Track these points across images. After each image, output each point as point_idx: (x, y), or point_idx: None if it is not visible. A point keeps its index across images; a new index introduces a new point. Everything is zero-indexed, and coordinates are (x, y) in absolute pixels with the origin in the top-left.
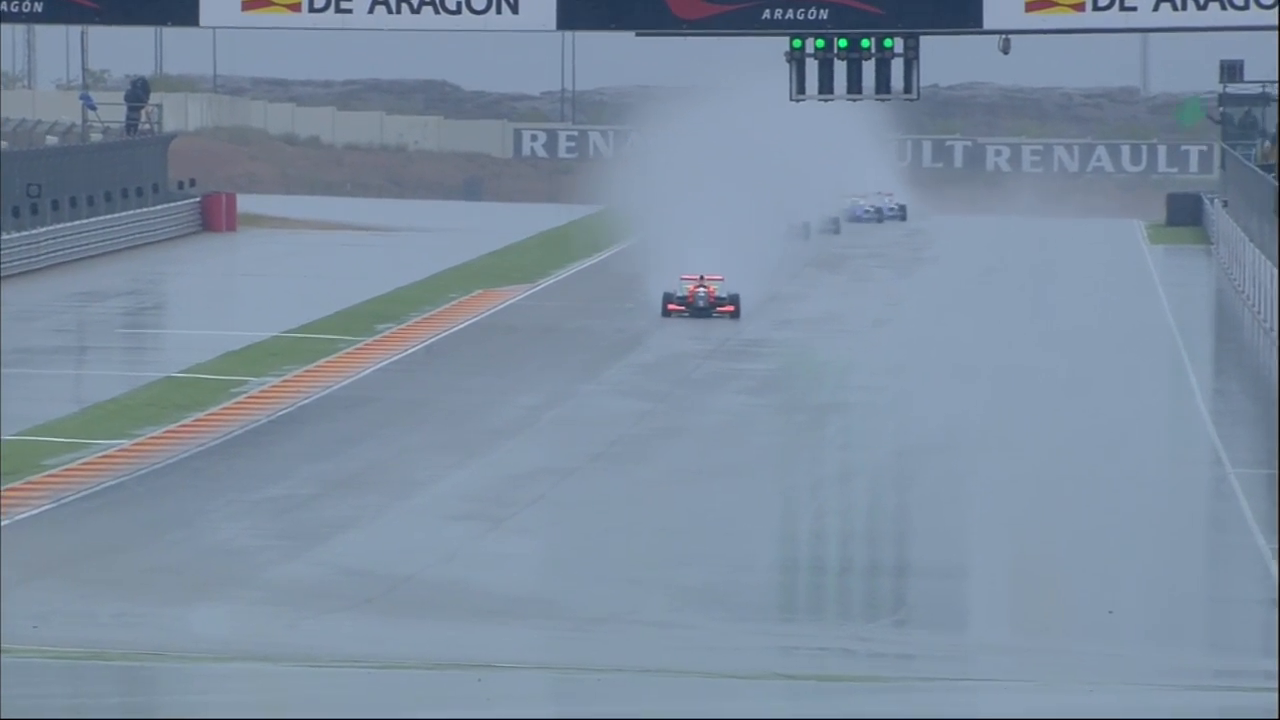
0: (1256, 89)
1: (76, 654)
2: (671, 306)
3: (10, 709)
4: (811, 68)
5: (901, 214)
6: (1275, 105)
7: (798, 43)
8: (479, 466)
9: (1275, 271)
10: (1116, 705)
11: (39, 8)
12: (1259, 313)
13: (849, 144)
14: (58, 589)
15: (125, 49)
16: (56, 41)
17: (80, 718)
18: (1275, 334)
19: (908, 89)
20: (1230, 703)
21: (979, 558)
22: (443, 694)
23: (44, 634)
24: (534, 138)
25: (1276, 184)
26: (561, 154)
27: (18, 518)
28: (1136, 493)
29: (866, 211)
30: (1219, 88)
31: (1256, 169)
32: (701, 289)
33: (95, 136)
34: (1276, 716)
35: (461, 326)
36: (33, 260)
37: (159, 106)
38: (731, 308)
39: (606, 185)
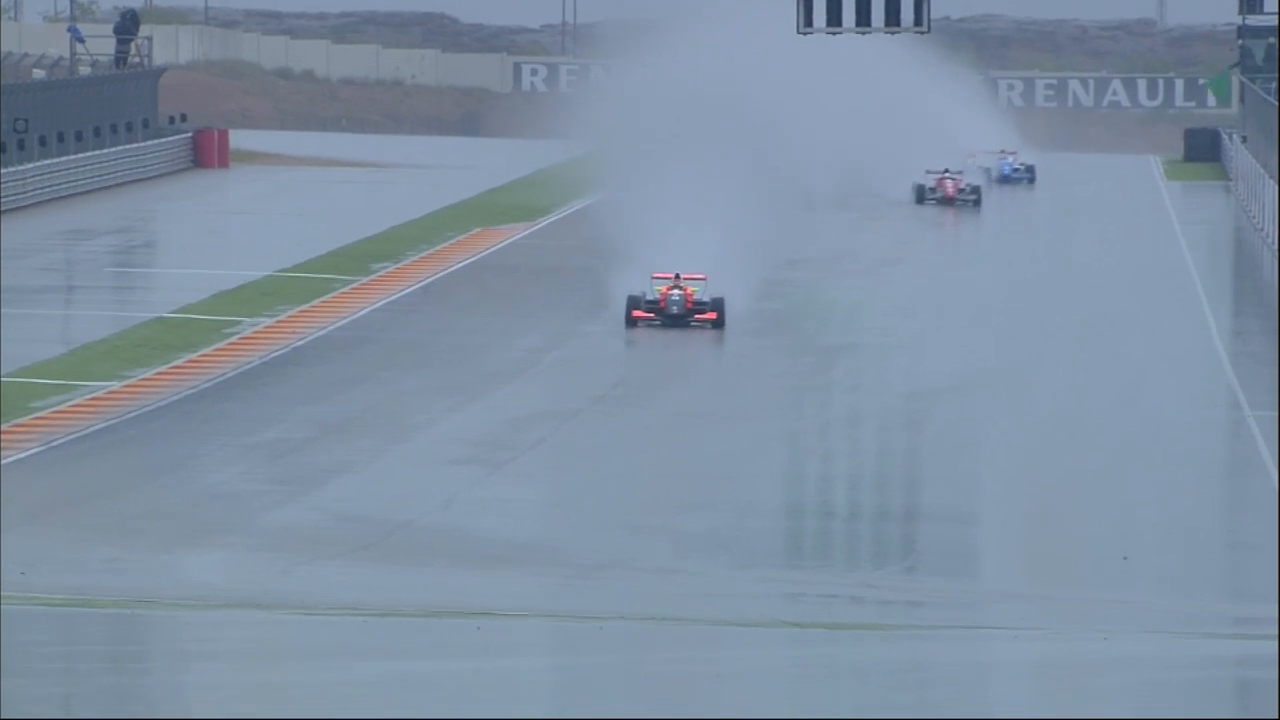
0: (1275, 19)
1: (66, 601)
2: (638, 314)
3: None
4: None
5: (1029, 176)
6: None
7: None
8: (478, 409)
9: None
10: (1131, 653)
11: None
12: (1278, 251)
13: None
14: (47, 534)
15: None
16: None
17: (70, 666)
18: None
19: (918, 22)
20: (1248, 651)
21: (990, 502)
22: (440, 641)
23: (32, 580)
24: (534, 72)
25: None
26: (563, 88)
27: (5, 461)
28: (1152, 435)
29: (1016, 170)
30: (1238, 19)
31: (1277, 103)
32: (676, 291)
33: (84, 70)
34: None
35: (459, 266)
36: (20, 197)
37: (149, 39)
38: (713, 314)
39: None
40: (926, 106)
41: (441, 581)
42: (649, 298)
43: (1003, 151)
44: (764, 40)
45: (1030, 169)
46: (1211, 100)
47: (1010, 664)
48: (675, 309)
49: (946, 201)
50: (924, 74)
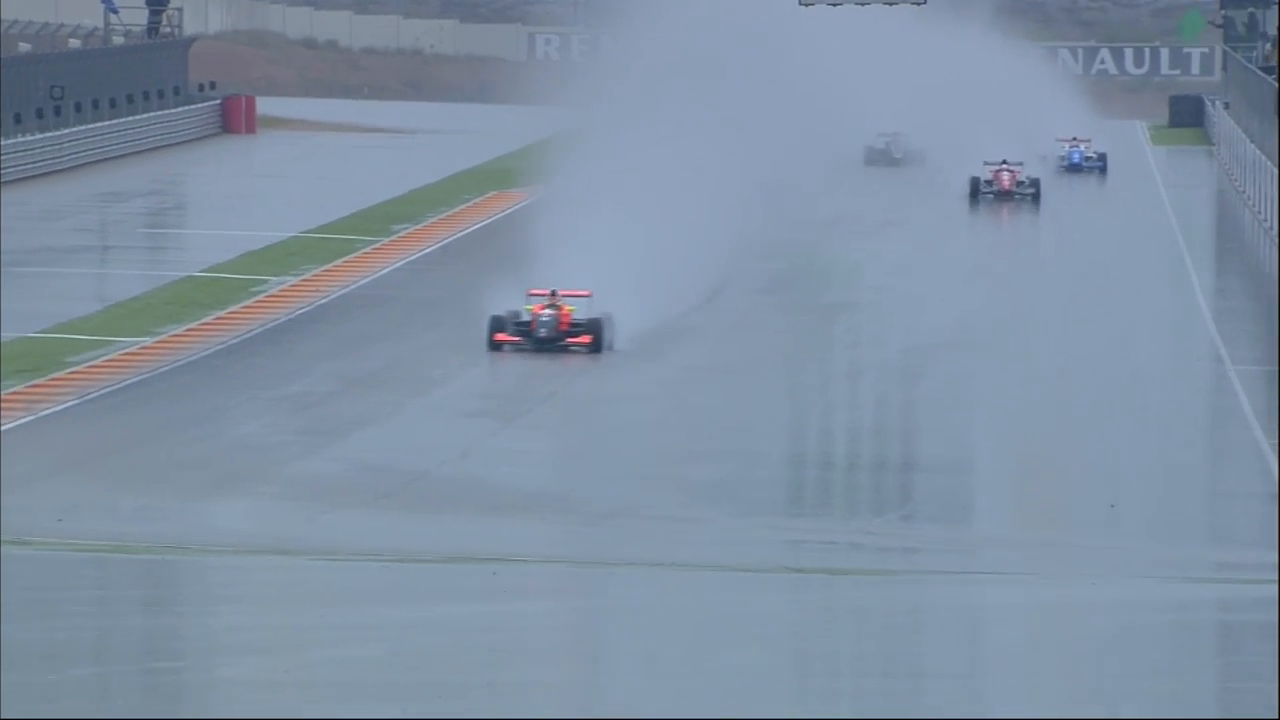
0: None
1: (100, 546)
2: (501, 337)
3: (37, 601)
4: None
5: (1101, 164)
6: (1276, 8)
7: None
8: (493, 364)
9: (1275, 171)
10: (1117, 597)
11: None
12: (1259, 213)
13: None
14: (82, 483)
15: None
16: None
17: (104, 609)
18: (1276, 234)
19: None
20: (1229, 595)
21: (984, 453)
22: (458, 586)
23: (69, 527)
24: (547, 41)
25: (1278, 86)
26: (575, 56)
27: (43, 413)
28: (1138, 389)
29: (1088, 158)
30: None
31: (1258, 71)
32: (549, 312)
33: (117, 40)
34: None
35: (476, 227)
36: (56, 161)
37: (179, 10)
38: (588, 338)
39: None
40: (995, 84)
41: (458, 528)
42: (521, 318)
43: (1074, 139)
44: (771, 9)
45: (1102, 157)
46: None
47: (1001, 607)
48: (545, 331)
49: (1003, 195)
50: (983, 47)
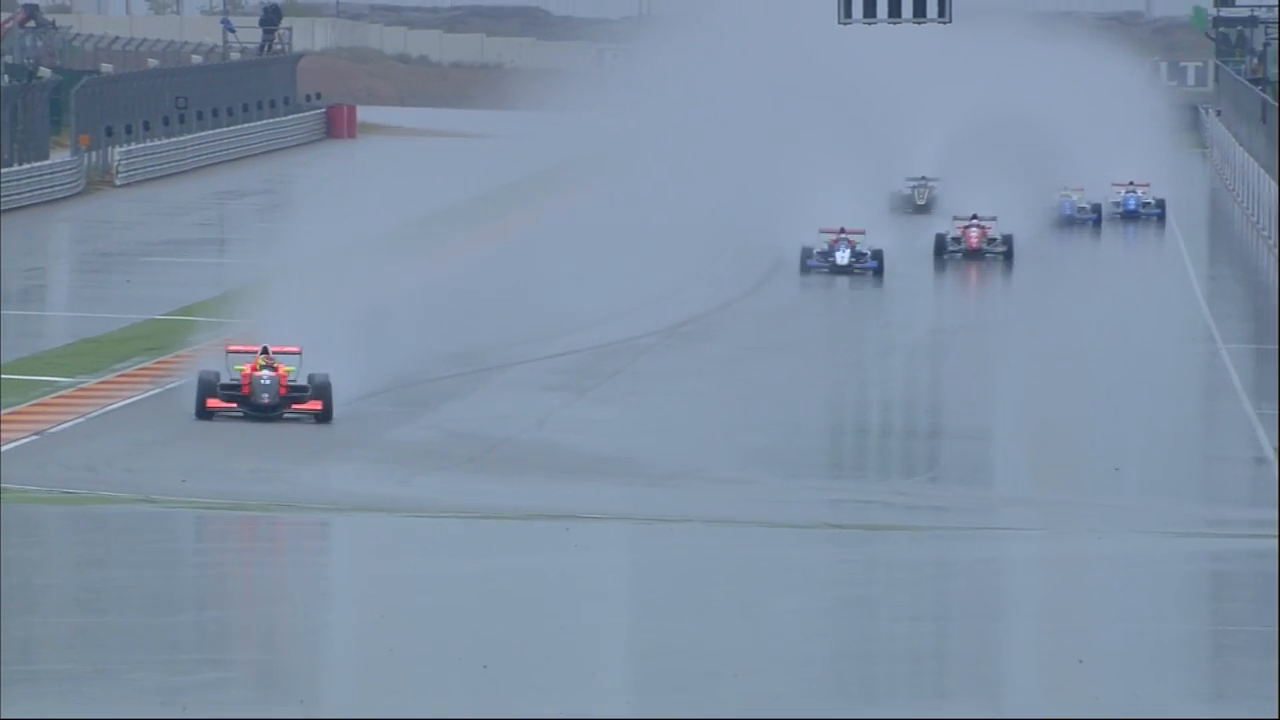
0: (1246, 12)
1: (219, 504)
2: (213, 403)
3: (163, 556)
4: None
5: (1159, 212)
6: (1264, 27)
7: None
8: (564, 344)
9: (1267, 179)
10: (1121, 550)
11: None
12: (1248, 208)
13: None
14: (201, 448)
15: None
16: None
17: (221, 559)
18: (1275, 243)
19: (941, 13)
20: (1221, 548)
21: (1002, 423)
22: (535, 540)
23: (191, 487)
24: (614, 57)
25: (1268, 99)
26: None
27: (168, 386)
28: (1141, 365)
29: (1146, 204)
30: (1214, 11)
31: (1246, 82)
32: (266, 373)
33: (234, 56)
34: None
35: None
36: (181, 163)
37: (289, 30)
38: (317, 404)
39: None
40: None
41: (535, 489)
42: (229, 379)
43: (1131, 184)
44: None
45: (1160, 204)
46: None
47: (1018, 560)
48: (266, 397)
49: (971, 254)
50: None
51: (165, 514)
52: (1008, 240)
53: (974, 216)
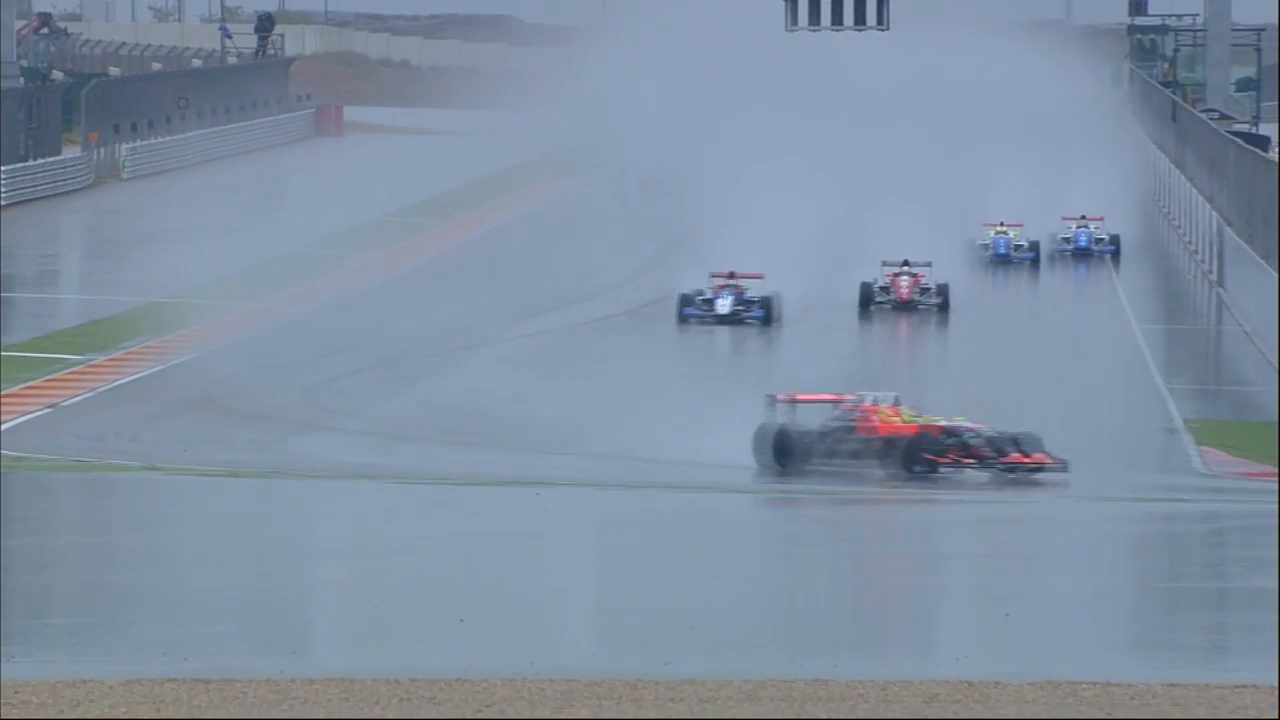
0: (1158, 20)
1: (217, 472)
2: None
3: (166, 519)
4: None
5: (1113, 249)
6: (1172, 35)
7: None
8: (539, 323)
9: (1177, 173)
10: (1049, 511)
11: None
12: (1159, 199)
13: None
14: (203, 420)
15: None
16: None
17: (219, 524)
18: (1276, 261)
19: (880, 20)
20: (1140, 510)
21: (936, 389)
22: (508, 505)
23: (192, 456)
24: (578, 61)
25: (1177, 101)
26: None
27: (171, 363)
28: (1067, 342)
29: (1100, 240)
30: (1128, 19)
31: (1158, 85)
32: None
33: (231, 60)
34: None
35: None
36: (183, 158)
37: (281, 36)
38: None
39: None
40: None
41: (508, 459)
42: None
43: (1083, 218)
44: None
45: (1115, 240)
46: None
47: (952, 521)
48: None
49: (902, 306)
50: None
51: (167, 480)
52: (943, 290)
53: (905, 263)
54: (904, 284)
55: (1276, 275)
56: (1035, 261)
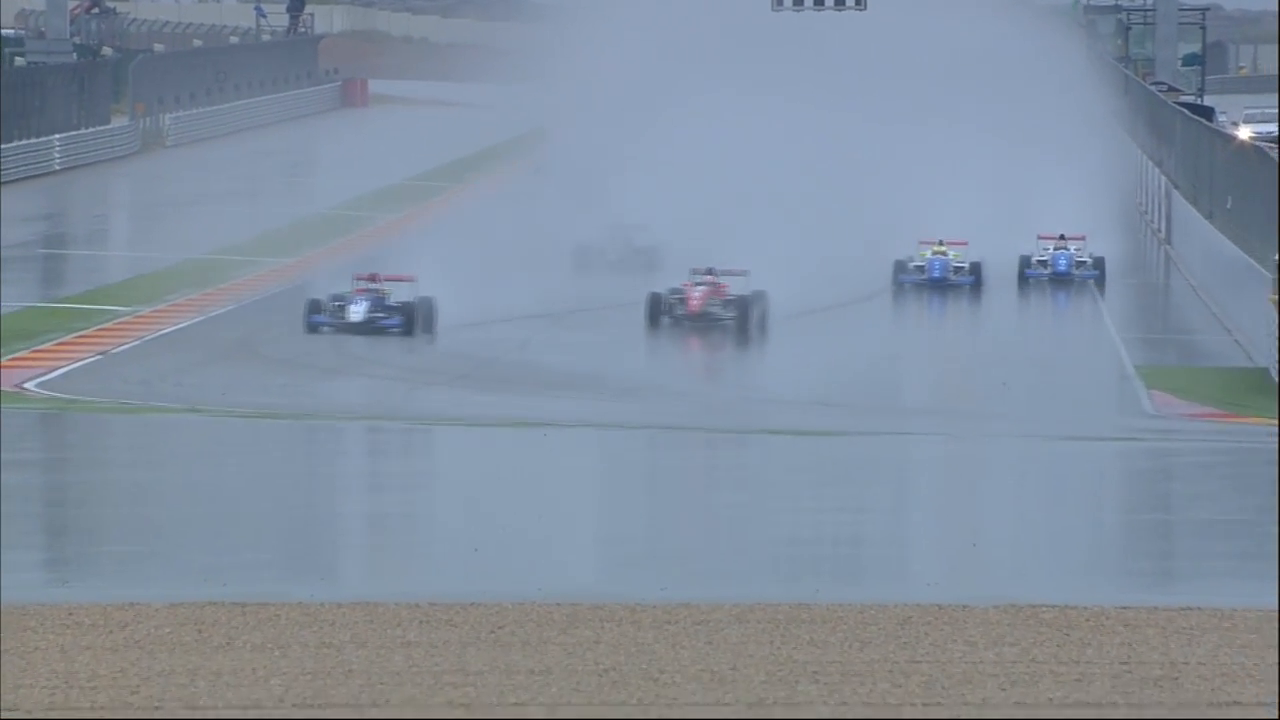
0: (1111, 2)
1: (255, 414)
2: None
3: (206, 457)
4: None
5: (1097, 273)
6: (1126, 13)
7: None
8: (546, 280)
9: (1131, 144)
10: (1013, 452)
11: None
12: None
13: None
14: (239, 367)
15: None
16: None
17: (257, 461)
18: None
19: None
20: (1094, 449)
21: (915, 349)
22: (517, 446)
23: (230, 399)
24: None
25: (1130, 75)
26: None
27: (212, 314)
28: (1034, 300)
29: (1083, 263)
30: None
31: (1113, 61)
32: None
33: (265, 36)
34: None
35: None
36: (220, 127)
37: (311, 15)
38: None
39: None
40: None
41: (518, 401)
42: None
43: (1062, 238)
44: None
45: (1099, 263)
46: None
47: (927, 460)
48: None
49: (690, 317)
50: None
51: (208, 421)
52: (743, 301)
53: (709, 270)
54: (695, 297)
55: (1277, 275)
56: (975, 286)
